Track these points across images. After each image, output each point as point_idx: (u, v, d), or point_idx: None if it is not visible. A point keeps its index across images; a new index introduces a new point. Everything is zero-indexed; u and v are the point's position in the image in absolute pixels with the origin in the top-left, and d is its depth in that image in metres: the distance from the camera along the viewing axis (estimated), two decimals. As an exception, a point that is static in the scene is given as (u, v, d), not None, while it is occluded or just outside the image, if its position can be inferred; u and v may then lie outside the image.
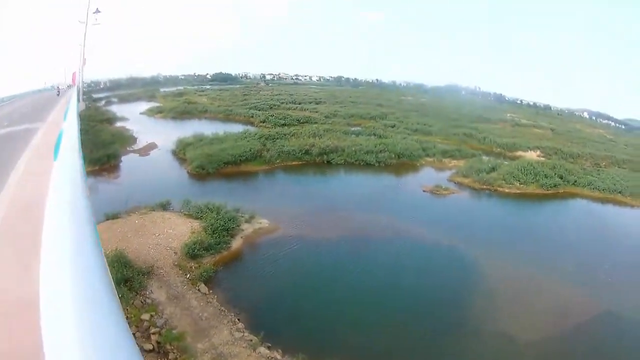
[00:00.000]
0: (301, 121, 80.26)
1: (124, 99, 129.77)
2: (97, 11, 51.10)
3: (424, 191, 46.22)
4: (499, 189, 49.11)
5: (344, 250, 31.51)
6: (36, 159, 19.09)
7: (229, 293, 24.62)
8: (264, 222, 33.99)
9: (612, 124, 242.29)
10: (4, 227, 10.50)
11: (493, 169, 52.98)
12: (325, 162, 53.42)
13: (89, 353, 2.11)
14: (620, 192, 55.73)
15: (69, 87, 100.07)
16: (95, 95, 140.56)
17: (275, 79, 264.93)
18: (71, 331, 2.35)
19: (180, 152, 54.16)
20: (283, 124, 76.25)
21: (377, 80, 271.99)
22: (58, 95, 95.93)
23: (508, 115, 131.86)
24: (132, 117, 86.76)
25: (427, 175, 53.51)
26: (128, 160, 52.09)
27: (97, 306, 2.03)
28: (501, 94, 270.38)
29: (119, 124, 77.92)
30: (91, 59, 58.92)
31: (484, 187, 49.19)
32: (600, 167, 70.28)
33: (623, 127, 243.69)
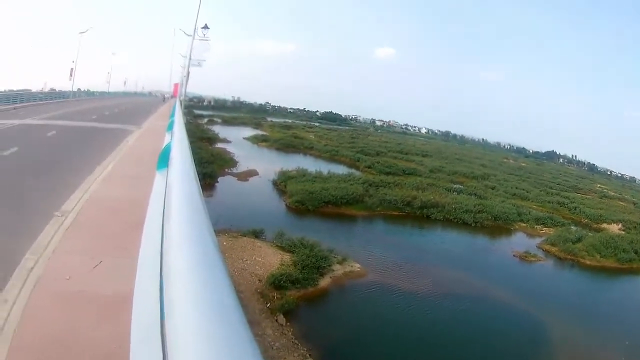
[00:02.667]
0: (406, 172, 79.58)
1: (227, 121, 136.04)
2: (206, 27, 51.91)
3: (514, 255, 45.20)
4: (580, 259, 47.57)
5: (426, 303, 30.76)
6: (127, 160, 19.79)
7: (305, 328, 24.36)
8: (355, 266, 33.43)
9: None
10: (96, 223, 10.95)
11: (579, 240, 51.37)
12: (424, 216, 52.31)
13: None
14: None
15: (171, 97, 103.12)
16: (197, 112, 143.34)
17: (385, 125, 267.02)
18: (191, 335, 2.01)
19: (281, 183, 54.32)
20: (388, 172, 75.33)
21: (482, 139, 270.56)
22: (163, 101, 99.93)
23: (598, 186, 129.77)
24: (235, 141, 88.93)
25: (519, 240, 52.21)
26: (225, 182, 53.01)
27: (224, 315, 1.90)
28: (594, 164, 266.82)
29: (219, 145, 79.65)
30: (196, 74, 59.38)
31: (568, 256, 47.67)
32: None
33: None
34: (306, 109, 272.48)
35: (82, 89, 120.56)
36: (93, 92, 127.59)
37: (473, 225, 52.04)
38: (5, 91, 75.20)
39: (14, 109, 53.44)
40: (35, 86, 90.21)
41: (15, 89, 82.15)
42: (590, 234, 55.75)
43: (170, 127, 11.68)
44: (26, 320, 6.43)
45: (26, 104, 62.62)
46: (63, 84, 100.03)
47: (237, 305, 1.94)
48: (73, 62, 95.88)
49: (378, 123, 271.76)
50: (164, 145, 6.31)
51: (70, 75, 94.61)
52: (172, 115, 18.53)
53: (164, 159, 6.33)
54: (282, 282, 27.55)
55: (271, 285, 27.28)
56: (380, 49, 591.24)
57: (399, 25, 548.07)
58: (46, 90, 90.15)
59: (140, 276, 3.74)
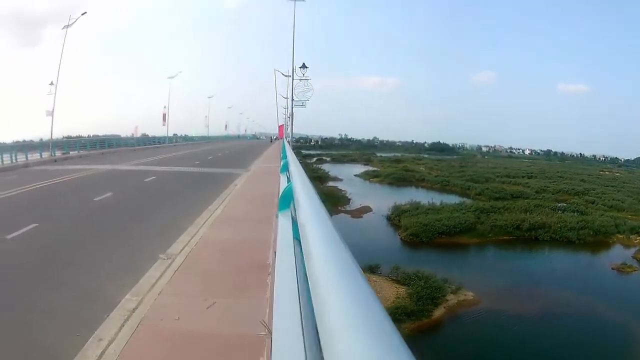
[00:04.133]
0: (514, 196, 78.11)
1: (336, 159, 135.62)
2: (304, 66, 51.81)
3: (612, 268, 44.04)
4: (669, 265, 46.18)
5: (537, 325, 29.94)
6: (236, 203, 19.69)
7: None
8: (469, 295, 32.92)
9: None
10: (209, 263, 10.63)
11: (666, 245, 49.93)
12: (533, 237, 51.23)
13: None
14: None
15: (277, 139, 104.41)
16: (305, 152, 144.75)
17: (490, 151, 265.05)
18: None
19: (395, 218, 53.94)
20: (497, 198, 74.55)
21: (580, 154, 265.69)
22: (271, 142, 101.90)
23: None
24: (346, 179, 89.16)
25: (617, 252, 50.69)
26: (338, 220, 52.33)
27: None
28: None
29: (330, 184, 79.90)
30: (301, 114, 59.29)
31: (659, 263, 46.46)
32: None
33: None
34: (414, 141, 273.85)
35: (179, 134, 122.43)
36: (192, 136, 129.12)
37: (576, 242, 51.03)
38: (90, 136, 77.16)
39: (102, 154, 54.99)
40: (125, 131, 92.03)
41: (101, 134, 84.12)
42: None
43: (284, 168, 11.47)
44: (126, 358, 6.24)
45: (116, 149, 64.57)
46: (157, 129, 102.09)
47: (405, 347, 1.44)
48: (165, 107, 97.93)
49: (484, 149, 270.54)
50: (285, 186, 6.01)
51: (164, 120, 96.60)
52: (284, 157, 18.28)
53: (286, 200, 6.07)
54: (397, 315, 27.02)
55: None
56: (479, 73, 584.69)
57: (498, 47, 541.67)
58: (137, 135, 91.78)
59: (278, 318, 3.40)
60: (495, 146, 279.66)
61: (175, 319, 7.31)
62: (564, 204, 69.67)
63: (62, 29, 58.31)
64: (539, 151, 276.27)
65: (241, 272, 9.69)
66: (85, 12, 58.05)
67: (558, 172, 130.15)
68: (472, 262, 43.59)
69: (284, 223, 5.76)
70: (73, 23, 57.62)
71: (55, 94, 55.58)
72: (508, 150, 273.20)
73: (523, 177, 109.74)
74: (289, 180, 9.77)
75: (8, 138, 55.33)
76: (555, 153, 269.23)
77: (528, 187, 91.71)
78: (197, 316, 7.43)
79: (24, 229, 14.84)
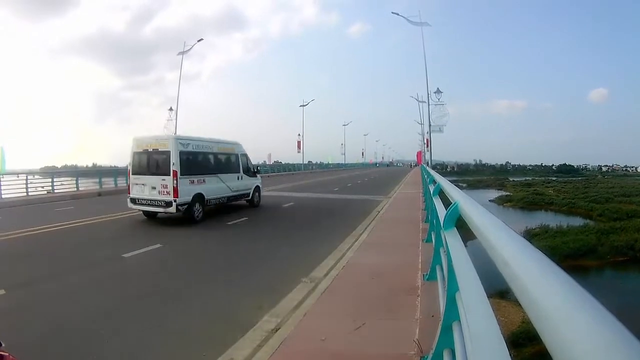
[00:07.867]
0: (629, 215, 73.24)
1: (472, 185, 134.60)
2: (438, 91, 51.46)
3: None
4: None
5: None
6: (381, 228, 19.12)
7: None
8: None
9: None
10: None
11: None
12: (641, 257, 50.86)
13: None
14: None
15: (415, 165, 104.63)
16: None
17: (609, 170, 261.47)
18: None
19: (527, 242, 52.51)
20: (616, 218, 70.87)
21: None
22: (410, 167, 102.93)
23: None
24: (482, 204, 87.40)
25: None
26: (472, 246, 51.60)
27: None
28: None
29: (468, 210, 79.81)
30: (435, 140, 58.25)
31: None
32: None
33: None
34: (543, 164, 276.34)
35: (314, 161, 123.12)
36: (327, 164, 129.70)
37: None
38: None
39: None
40: (257, 158, 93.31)
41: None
42: None
43: (436, 192, 11.26)
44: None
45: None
46: (291, 157, 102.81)
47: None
48: (299, 135, 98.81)
49: (604, 169, 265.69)
50: (452, 204, 5.75)
51: (298, 147, 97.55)
52: (430, 181, 17.77)
53: (451, 219, 6.40)
54: (520, 339, 26.27)
55: (510, 343, 25.90)
56: (594, 90, 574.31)
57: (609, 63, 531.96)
58: (270, 162, 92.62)
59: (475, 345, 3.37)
60: (613, 165, 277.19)
61: (322, 340, 7.03)
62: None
63: (177, 55, 60.40)
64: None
65: (390, 295, 9.32)
66: (202, 39, 60.62)
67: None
68: (591, 282, 40.21)
69: (454, 241, 5.95)
70: (189, 50, 59.79)
71: (176, 119, 57.40)
72: (624, 169, 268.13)
73: (636, 195, 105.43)
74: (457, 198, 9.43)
75: (105, 162, 57.25)
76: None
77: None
78: (345, 337, 7.14)
79: (146, 249, 14.92)
